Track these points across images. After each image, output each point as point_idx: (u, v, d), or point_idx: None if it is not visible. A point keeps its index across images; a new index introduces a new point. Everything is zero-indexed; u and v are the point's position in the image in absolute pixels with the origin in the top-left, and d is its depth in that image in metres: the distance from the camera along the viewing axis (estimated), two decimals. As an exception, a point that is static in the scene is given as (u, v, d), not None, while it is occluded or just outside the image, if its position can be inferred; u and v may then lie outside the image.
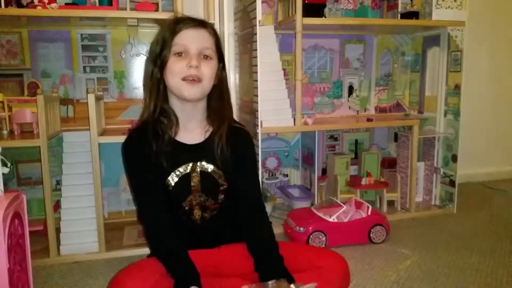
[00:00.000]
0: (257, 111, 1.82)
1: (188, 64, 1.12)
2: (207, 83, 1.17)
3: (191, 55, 1.13)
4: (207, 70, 1.15)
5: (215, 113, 1.23)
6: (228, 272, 1.23)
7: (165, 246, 1.15)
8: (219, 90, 1.22)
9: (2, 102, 1.66)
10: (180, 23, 1.16)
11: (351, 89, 2.38)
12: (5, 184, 0.97)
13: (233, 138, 1.23)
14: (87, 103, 1.61)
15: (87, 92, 1.61)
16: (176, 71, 1.13)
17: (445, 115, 2.23)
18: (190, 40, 1.14)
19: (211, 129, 1.23)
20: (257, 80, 1.79)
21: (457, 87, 2.13)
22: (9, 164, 0.96)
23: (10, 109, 1.66)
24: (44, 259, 1.64)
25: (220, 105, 1.23)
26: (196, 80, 1.14)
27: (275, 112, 1.91)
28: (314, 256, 1.25)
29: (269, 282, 1.06)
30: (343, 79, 2.37)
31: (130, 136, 1.24)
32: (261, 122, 1.84)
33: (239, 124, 1.31)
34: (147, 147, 1.17)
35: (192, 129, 1.22)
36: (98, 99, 1.76)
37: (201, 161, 1.21)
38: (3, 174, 0.95)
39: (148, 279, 1.06)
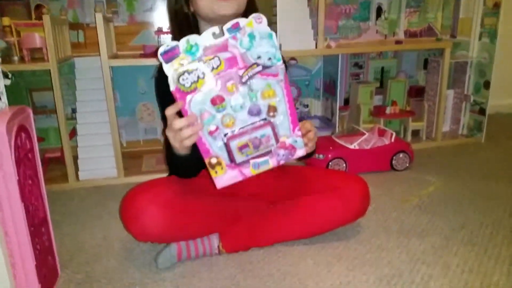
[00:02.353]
0: (276, 32, 1.72)
1: None
2: (241, 3, 1.07)
3: None
4: None
5: None
6: (243, 191, 1.22)
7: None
8: (251, 9, 1.12)
9: (10, 26, 1.60)
10: None
11: (379, 11, 2.22)
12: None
13: None
14: (96, 27, 1.55)
15: (95, 11, 1.54)
16: None
17: (479, 38, 2.07)
18: None
19: None
20: (276, -2, 1.68)
21: (497, 5, 1.96)
22: (10, 75, 0.92)
23: (18, 34, 1.61)
24: (63, 184, 1.66)
25: None
26: None
27: (295, 34, 1.80)
28: (334, 178, 1.23)
29: None
30: (371, 0, 2.20)
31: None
32: (280, 45, 1.75)
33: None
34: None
35: None
36: (107, 21, 1.69)
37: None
38: (6, 86, 0.91)
39: (160, 195, 1.05)
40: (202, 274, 1.08)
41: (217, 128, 0.88)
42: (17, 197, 0.87)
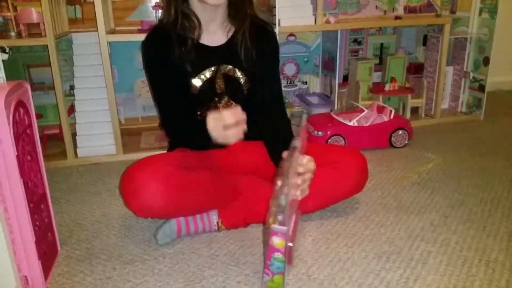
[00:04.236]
0: (275, 7, 1.69)
1: None
2: None
3: None
4: None
5: (236, 11, 1.15)
6: (242, 168, 1.22)
7: (184, 122, 1.15)
8: None
9: (6, 1, 1.58)
10: None
11: (378, -14, 2.18)
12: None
13: (258, 36, 1.17)
14: (94, 1, 1.51)
15: (92, -14, 1.50)
16: None
17: (479, 14, 2.05)
18: None
19: (233, 29, 1.17)
20: (274, -27, 1.64)
21: (497, -20, 1.93)
22: (7, 50, 0.90)
23: (15, 9, 1.58)
24: (62, 161, 1.66)
25: (243, 4, 1.15)
26: None
27: (294, 9, 1.77)
28: (333, 153, 1.24)
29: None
30: (370, -25, 2.15)
31: (149, 37, 1.17)
32: (279, 20, 1.72)
33: (264, 22, 1.23)
34: (169, 50, 1.12)
35: (213, 31, 1.16)
36: (105, -5, 1.66)
37: (224, 63, 1.16)
38: (3, 60, 0.90)
39: (160, 170, 1.04)
40: (202, 251, 1.08)
41: None
42: (16, 172, 0.87)
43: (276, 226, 0.85)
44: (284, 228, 0.84)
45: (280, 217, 0.85)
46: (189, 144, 1.19)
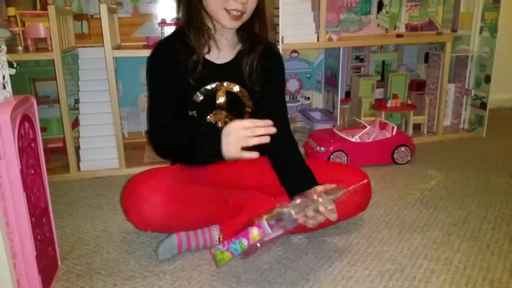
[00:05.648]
0: (278, 25, 1.71)
1: None
2: (249, 15, 1.09)
3: None
4: (252, 3, 1.07)
5: (246, 31, 1.16)
6: (245, 184, 1.22)
7: (172, 128, 1.12)
8: (254, 12, 1.12)
9: (15, 16, 1.60)
10: None
11: (380, 5, 2.20)
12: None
13: (264, 56, 1.17)
14: (100, 17, 1.53)
15: (99, 2, 1.53)
16: (221, 0, 1.05)
17: (480, 33, 2.07)
18: None
19: (240, 47, 1.17)
20: (278, -9, 1.67)
21: (497, 0, 1.95)
22: (15, 65, 0.92)
23: (23, 24, 1.61)
24: (64, 175, 1.66)
25: (253, 24, 1.15)
26: (240, 14, 1.06)
27: (297, 27, 1.79)
28: (336, 171, 1.23)
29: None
30: (372, -7, 2.19)
31: (156, 50, 1.17)
32: (282, 37, 1.74)
33: (270, 43, 1.23)
34: (176, 61, 1.12)
35: (221, 48, 1.16)
36: (111, 12, 1.68)
37: (227, 80, 1.16)
38: (10, 76, 0.91)
39: (161, 183, 1.04)
40: (203, 268, 1.08)
41: None
42: (19, 186, 0.87)
43: (265, 223, 0.92)
44: (269, 230, 0.91)
45: (273, 222, 0.92)
46: (185, 157, 1.15)
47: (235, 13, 1.06)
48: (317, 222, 1.00)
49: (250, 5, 1.06)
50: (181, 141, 1.08)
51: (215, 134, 1.00)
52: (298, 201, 0.96)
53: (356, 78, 2.16)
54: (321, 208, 0.97)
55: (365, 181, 1.01)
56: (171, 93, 1.14)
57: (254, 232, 0.93)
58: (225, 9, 1.05)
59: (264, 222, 0.92)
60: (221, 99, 1.17)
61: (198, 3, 1.09)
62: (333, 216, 0.99)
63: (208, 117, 1.19)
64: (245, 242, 0.93)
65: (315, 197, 0.96)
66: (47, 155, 1.75)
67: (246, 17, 1.09)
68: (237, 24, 1.09)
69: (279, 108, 1.22)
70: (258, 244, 0.94)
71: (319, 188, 1.01)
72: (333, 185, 1.01)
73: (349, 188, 0.99)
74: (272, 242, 1.09)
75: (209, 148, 1.02)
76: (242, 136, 0.97)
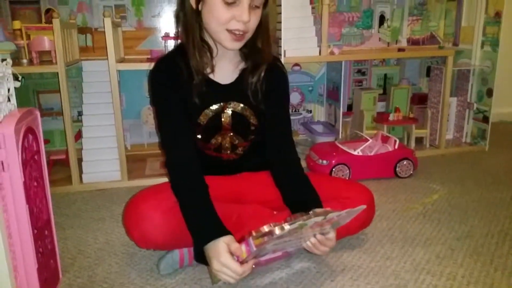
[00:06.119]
0: (280, 39, 1.73)
1: (239, 18, 0.99)
2: (251, 34, 1.06)
3: (243, 6, 0.98)
4: (255, 22, 1.03)
5: (249, 49, 1.12)
6: (249, 199, 1.21)
7: (188, 187, 1.05)
8: (256, 28, 1.08)
9: (20, 29, 1.62)
10: None
11: (382, 19, 2.22)
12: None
13: (268, 75, 1.14)
14: (105, 31, 1.55)
15: (104, 16, 1.55)
16: (222, 21, 1.00)
17: (482, 47, 2.08)
18: None
19: (243, 66, 1.14)
20: (280, 5, 1.68)
21: (498, 14, 1.97)
22: (20, 78, 0.93)
23: (28, 37, 1.63)
24: (67, 187, 1.66)
25: (256, 41, 1.11)
26: (242, 34, 1.02)
27: (299, 41, 1.80)
28: (339, 187, 1.22)
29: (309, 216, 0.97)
30: (374, 8, 2.20)
31: (159, 65, 1.14)
32: (284, 51, 1.75)
33: (274, 58, 1.19)
34: (178, 80, 1.08)
35: (224, 67, 1.13)
36: (115, 25, 1.70)
37: (232, 101, 1.14)
38: (15, 88, 0.92)
39: (163, 202, 1.04)
40: (204, 282, 1.07)
41: None
42: (22, 199, 0.87)
43: (250, 240, 0.88)
44: (255, 249, 0.88)
45: (265, 238, 0.87)
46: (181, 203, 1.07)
47: (237, 32, 1.02)
48: (322, 250, 1.01)
49: (252, 24, 1.02)
50: (185, 213, 1.03)
51: (210, 240, 0.95)
52: (295, 225, 0.90)
53: (358, 91, 2.17)
54: (319, 237, 0.97)
55: (364, 206, 0.99)
56: (179, 114, 1.10)
57: (242, 249, 0.90)
58: (226, 29, 1.01)
59: (250, 239, 0.88)
60: (226, 119, 1.15)
61: (197, 21, 1.05)
62: (331, 244, 1.00)
63: (214, 138, 1.18)
64: (235, 259, 0.91)
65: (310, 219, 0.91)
66: (49, 167, 1.76)
67: (248, 36, 1.05)
68: (239, 45, 1.05)
69: (283, 125, 1.20)
70: (253, 266, 0.93)
71: (318, 211, 0.99)
72: (331, 210, 0.99)
73: (343, 212, 0.95)
74: (270, 263, 1.09)
75: (196, 246, 1.00)
76: (225, 272, 0.92)
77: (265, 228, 0.88)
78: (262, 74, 1.12)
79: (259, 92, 1.13)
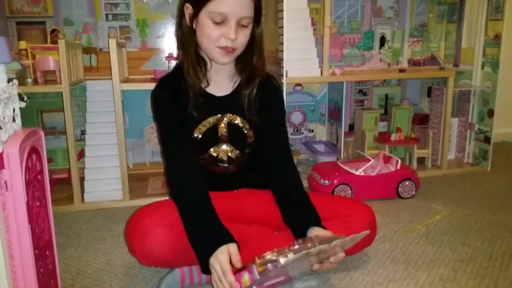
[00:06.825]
0: (282, 60, 1.74)
1: (226, 36, 1.07)
2: (241, 50, 1.13)
3: (230, 26, 1.06)
4: (243, 40, 1.10)
5: (244, 64, 1.19)
6: (248, 215, 1.21)
7: (190, 198, 1.07)
8: (250, 45, 1.15)
9: (26, 49, 1.65)
10: None
11: (383, 40, 2.25)
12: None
13: (262, 91, 1.19)
14: (109, 51, 1.58)
15: (109, 37, 1.57)
16: (212, 39, 1.08)
17: (482, 68, 2.10)
18: (231, 7, 1.05)
19: (239, 80, 1.20)
20: (282, 27, 1.71)
21: (498, 36, 1.99)
22: (25, 98, 0.94)
23: (33, 57, 1.65)
24: (68, 206, 1.66)
25: (250, 58, 1.17)
26: (231, 50, 1.10)
27: (301, 61, 1.83)
28: (341, 206, 1.22)
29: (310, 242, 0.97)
30: (375, 29, 2.24)
31: (160, 83, 1.21)
32: (286, 72, 1.77)
33: (268, 74, 1.25)
34: (178, 96, 1.15)
35: (220, 81, 1.19)
36: (120, 46, 1.73)
37: (229, 112, 1.18)
38: (20, 108, 0.93)
39: (165, 218, 1.04)
40: (206, 302, 1.06)
41: None
42: (24, 219, 0.87)
43: (255, 269, 0.88)
44: (258, 278, 0.87)
45: (269, 267, 0.86)
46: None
47: (225, 49, 1.09)
48: (329, 267, 1.01)
49: (239, 41, 1.09)
50: (186, 224, 1.04)
51: (214, 247, 0.97)
52: (296, 247, 0.92)
53: (360, 111, 2.18)
54: (327, 255, 0.97)
55: (368, 232, 1.00)
56: (178, 119, 1.15)
57: (245, 277, 0.90)
58: (217, 46, 1.09)
59: (254, 267, 0.88)
60: (223, 131, 1.18)
61: (193, 38, 1.13)
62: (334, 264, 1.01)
63: (211, 150, 1.20)
64: (237, 286, 0.91)
65: (315, 246, 0.92)
66: (51, 186, 1.76)
67: (238, 52, 1.12)
68: (228, 59, 1.12)
69: (280, 140, 1.23)
70: None
71: (322, 236, 1.00)
72: (335, 236, 0.99)
73: (348, 238, 0.95)
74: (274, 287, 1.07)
75: (198, 251, 1.01)
76: (222, 282, 0.93)
77: (269, 255, 0.88)
78: (256, 87, 1.18)
79: (252, 105, 1.18)
